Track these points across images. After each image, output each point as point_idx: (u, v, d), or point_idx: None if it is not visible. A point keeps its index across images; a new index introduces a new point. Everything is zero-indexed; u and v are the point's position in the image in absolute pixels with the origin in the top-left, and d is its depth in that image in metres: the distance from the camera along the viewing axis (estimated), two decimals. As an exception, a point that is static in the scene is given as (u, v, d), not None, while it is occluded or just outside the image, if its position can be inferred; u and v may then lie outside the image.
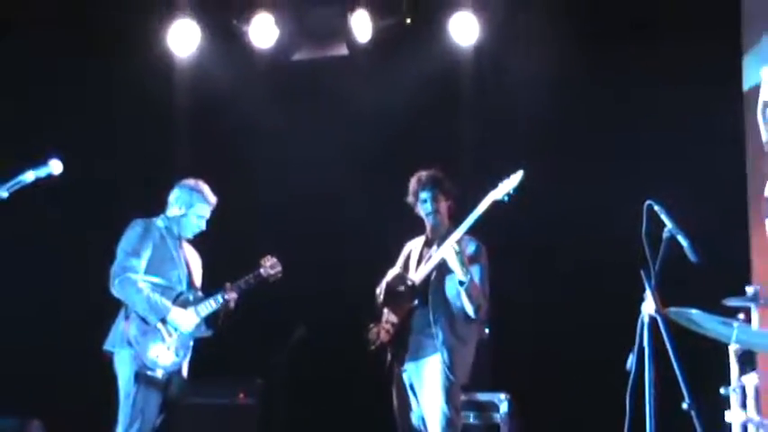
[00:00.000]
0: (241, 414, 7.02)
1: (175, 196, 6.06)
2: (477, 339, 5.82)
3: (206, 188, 6.09)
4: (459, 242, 5.50)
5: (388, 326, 5.73)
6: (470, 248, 5.65)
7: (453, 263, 5.46)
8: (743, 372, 5.01)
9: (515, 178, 5.53)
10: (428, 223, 5.84)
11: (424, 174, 5.83)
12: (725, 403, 5.02)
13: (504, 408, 6.55)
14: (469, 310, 5.54)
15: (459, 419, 5.60)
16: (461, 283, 5.47)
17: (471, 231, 5.60)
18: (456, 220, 5.71)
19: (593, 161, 7.01)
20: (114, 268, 5.76)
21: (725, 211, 6.54)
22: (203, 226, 6.10)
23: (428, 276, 5.63)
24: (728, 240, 6.34)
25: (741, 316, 4.98)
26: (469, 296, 5.50)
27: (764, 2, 6.98)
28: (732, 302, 5.09)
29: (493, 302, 5.72)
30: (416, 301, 5.64)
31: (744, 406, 4.94)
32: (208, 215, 6.09)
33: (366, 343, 5.81)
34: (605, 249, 6.47)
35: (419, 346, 5.59)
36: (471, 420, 6.48)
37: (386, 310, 5.80)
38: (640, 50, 7.09)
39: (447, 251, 5.48)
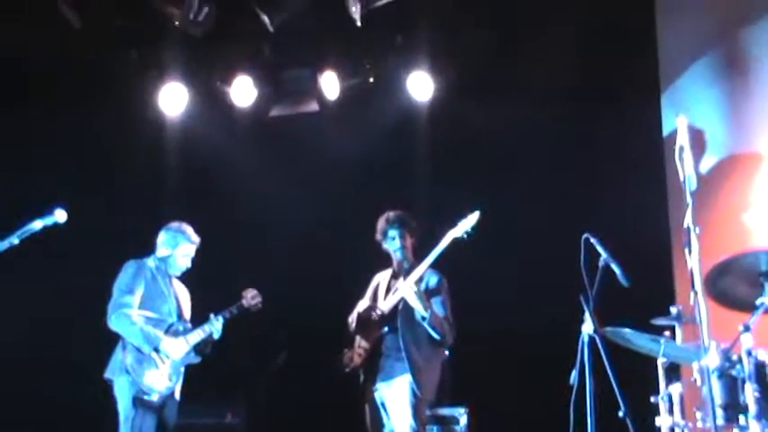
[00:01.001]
0: None
1: (163, 239, 6.09)
2: (441, 361, 5.81)
3: (189, 230, 6.12)
4: (417, 282, 5.53)
5: (360, 350, 5.73)
6: (433, 280, 5.69)
7: (413, 301, 5.48)
8: (669, 382, 5.05)
9: (473, 218, 5.62)
10: (395, 258, 5.86)
11: (391, 214, 5.86)
12: (655, 410, 5.04)
13: (463, 421, 6.53)
14: (436, 337, 5.55)
15: (424, 432, 5.62)
16: (423, 318, 5.48)
17: (433, 265, 5.65)
18: (418, 255, 5.76)
19: (538, 201, 7.07)
20: (111, 304, 5.78)
21: (651, 241, 6.61)
22: (189, 264, 6.12)
23: (396, 305, 5.64)
24: (655, 267, 6.44)
25: (667, 333, 5.01)
26: (433, 328, 5.51)
27: (681, 41, 7.13)
28: (659, 321, 5.10)
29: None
30: (386, 328, 5.65)
31: (671, 412, 4.97)
32: (193, 254, 6.12)
33: (341, 366, 5.80)
34: (549, 277, 6.49)
35: (389, 368, 5.59)
36: None
37: (358, 337, 5.79)
38: (575, 104, 7.21)
39: (406, 291, 5.51)
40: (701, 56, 7.02)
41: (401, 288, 5.59)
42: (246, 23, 7.09)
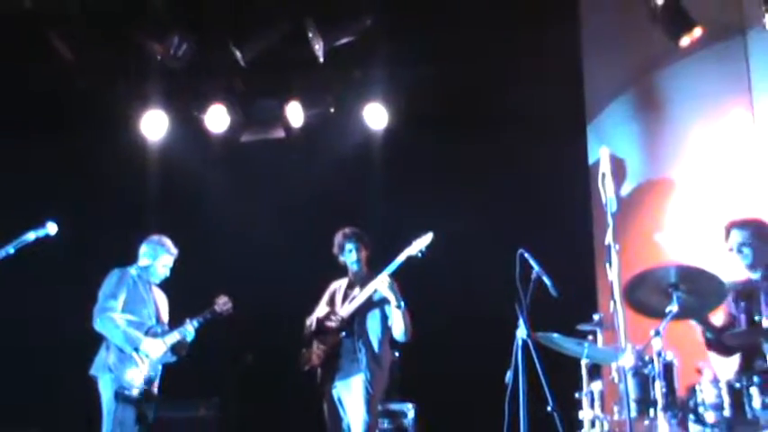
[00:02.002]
0: (202, 425, 6.87)
1: (144, 250, 6.09)
2: (391, 361, 5.87)
3: (168, 242, 6.13)
4: (390, 276, 5.57)
5: (319, 352, 5.75)
6: None
7: (387, 292, 5.53)
8: (591, 380, 5.14)
9: (426, 239, 5.66)
10: (351, 270, 5.89)
11: (347, 230, 5.90)
12: (578, 404, 5.14)
13: (411, 414, 6.55)
14: (400, 331, 5.59)
15: (376, 425, 5.65)
16: (398, 306, 5.52)
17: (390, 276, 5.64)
18: (371, 267, 5.81)
19: (479, 220, 7.10)
20: (96, 308, 5.77)
21: (577, 256, 6.67)
22: (168, 273, 6.12)
23: (354, 312, 5.69)
24: (580, 279, 6.50)
25: (590, 337, 5.14)
26: (404, 318, 5.56)
27: (603, 82, 7.25)
28: (583, 327, 5.23)
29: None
30: (344, 333, 5.69)
31: (592, 406, 5.07)
32: (171, 264, 6.13)
33: (300, 365, 5.83)
34: (488, 288, 6.43)
35: (346, 367, 5.63)
36: (386, 425, 6.45)
37: (316, 339, 5.80)
38: (513, 134, 7.25)
39: (381, 284, 5.56)
40: (621, 95, 7.17)
41: (375, 282, 5.60)
42: (221, 58, 7.04)
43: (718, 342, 4.94)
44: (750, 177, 6.45)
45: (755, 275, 5.03)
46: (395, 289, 5.56)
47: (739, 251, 5.08)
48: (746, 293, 4.98)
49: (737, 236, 5.09)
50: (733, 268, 5.10)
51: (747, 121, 6.53)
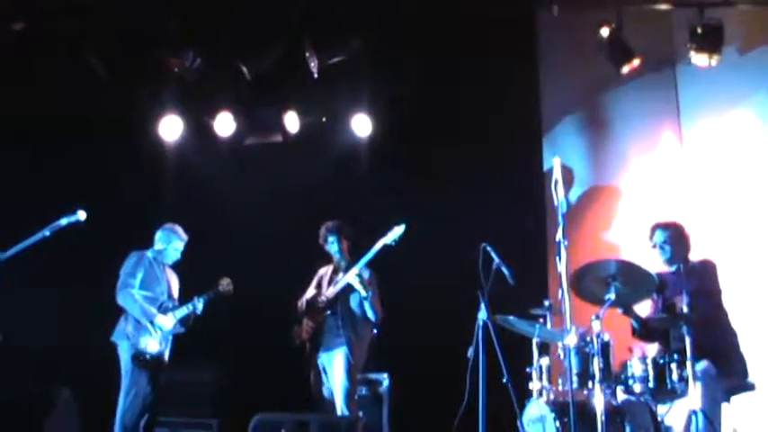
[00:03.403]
0: (204, 386, 6.91)
1: (159, 235, 6.18)
2: (370, 337, 5.95)
3: (180, 229, 6.22)
4: (359, 270, 5.69)
5: (308, 327, 5.85)
6: (366, 274, 5.81)
7: (357, 285, 5.64)
8: (540, 356, 5.29)
9: (399, 229, 5.77)
10: (335, 258, 5.99)
11: (330, 223, 6.02)
12: (529, 377, 5.27)
13: (386, 383, 6.60)
14: (371, 316, 5.69)
15: (355, 392, 5.76)
16: (365, 297, 5.62)
17: (367, 263, 5.78)
18: (353, 254, 5.88)
19: (449, 217, 7.03)
20: (118, 285, 5.88)
21: (532, 250, 6.72)
22: (179, 256, 6.21)
23: (337, 294, 5.79)
24: (534, 270, 6.55)
25: (541, 320, 5.27)
26: (372, 306, 5.66)
27: (557, 101, 7.31)
28: (535, 311, 5.37)
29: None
30: (329, 311, 5.79)
31: (540, 378, 5.20)
32: (182, 248, 6.21)
33: (292, 339, 5.93)
34: (454, 276, 6.47)
35: (330, 341, 5.73)
36: (363, 392, 6.47)
37: (305, 318, 5.91)
38: (478, 145, 7.26)
39: (351, 278, 5.67)
40: (572, 112, 7.24)
41: (347, 276, 5.70)
42: (229, 72, 7.06)
43: (642, 332, 5.10)
44: (677, 189, 6.59)
45: (672, 269, 5.19)
46: (363, 281, 5.64)
47: (660, 248, 5.22)
48: (664, 284, 5.12)
49: (659, 235, 5.24)
50: (654, 262, 5.23)
51: (675, 143, 6.65)
